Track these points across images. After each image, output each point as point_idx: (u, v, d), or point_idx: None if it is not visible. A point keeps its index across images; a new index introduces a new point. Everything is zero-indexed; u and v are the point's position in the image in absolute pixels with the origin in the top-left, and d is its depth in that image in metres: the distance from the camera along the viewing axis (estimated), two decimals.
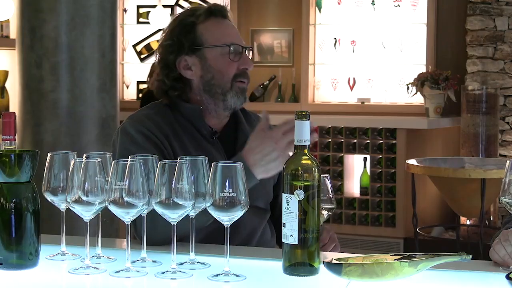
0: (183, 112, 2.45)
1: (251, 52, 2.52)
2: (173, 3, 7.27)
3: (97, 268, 1.91)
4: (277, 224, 2.47)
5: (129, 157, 1.87)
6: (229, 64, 2.43)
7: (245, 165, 1.95)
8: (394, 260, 1.84)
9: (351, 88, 6.71)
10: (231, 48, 2.42)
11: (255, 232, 2.44)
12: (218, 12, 2.47)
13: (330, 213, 2.19)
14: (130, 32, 7.48)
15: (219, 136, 2.47)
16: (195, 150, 2.37)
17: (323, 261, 1.84)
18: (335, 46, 6.74)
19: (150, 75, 5.80)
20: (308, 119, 1.88)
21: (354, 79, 6.71)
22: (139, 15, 7.42)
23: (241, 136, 2.49)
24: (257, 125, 2.32)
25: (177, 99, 2.47)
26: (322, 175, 1.96)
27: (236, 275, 1.85)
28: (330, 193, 2.17)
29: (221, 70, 2.43)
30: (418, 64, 6.47)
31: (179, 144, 2.38)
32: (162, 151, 2.32)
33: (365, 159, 6.24)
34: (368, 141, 6.21)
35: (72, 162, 1.89)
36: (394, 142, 6.11)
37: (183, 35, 2.44)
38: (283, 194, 1.88)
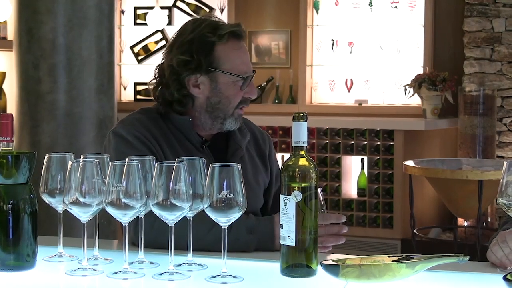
0: (173, 122, 2.46)
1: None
2: (170, 5, 7.27)
3: (94, 270, 1.91)
4: None
5: (127, 159, 1.87)
6: (238, 93, 2.44)
7: (271, 233, 2.11)
8: (392, 261, 1.84)
9: (349, 90, 6.71)
10: (245, 79, 2.43)
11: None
12: (238, 35, 2.45)
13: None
14: (127, 34, 7.48)
15: (209, 145, 2.49)
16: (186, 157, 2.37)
17: (321, 263, 1.84)
18: (332, 47, 6.74)
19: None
20: (306, 121, 1.89)
21: (351, 80, 6.71)
22: (136, 16, 7.41)
23: (232, 144, 2.51)
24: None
25: (170, 109, 2.47)
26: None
27: (234, 277, 1.85)
28: (323, 205, 2.19)
29: (229, 97, 2.44)
30: (416, 65, 6.47)
31: (170, 151, 2.40)
32: (155, 154, 2.32)
33: (362, 160, 6.24)
34: (365, 142, 6.21)
35: (70, 163, 1.89)
36: (391, 143, 6.11)
37: (202, 55, 2.41)
38: (280, 195, 1.88)
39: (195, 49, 2.41)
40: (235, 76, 2.42)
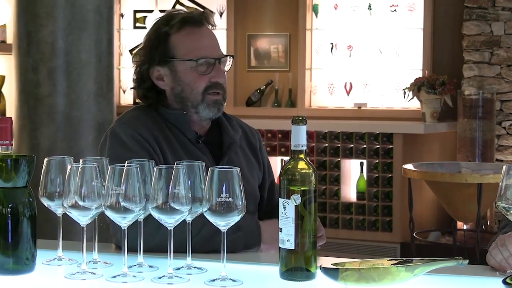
0: (168, 117, 2.48)
1: (230, 59, 2.51)
2: (169, 8, 7.28)
3: (93, 273, 1.91)
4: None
5: (126, 162, 1.86)
6: (199, 78, 2.44)
7: (257, 237, 2.13)
8: (391, 265, 1.84)
9: (348, 93, 6.72)
10: (200, 62, 2.43)
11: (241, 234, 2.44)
12: (193, 21, 2.47)
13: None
14: (126, 37, 7.48)
15: (204, 140, 2.49)
16: (183, 153, 2.40)
17: (320, 266, 1.84)
18: (331, 51, 6.74)
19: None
20: (305, 124, 1.89)
21: (350, 84, 6.71)
22: (136, 20, 7.42)
23: (226, 139, 2.52)
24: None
25: (158, 104, 2.50)
26: None
27: (233, 280, 1.85)
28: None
29: (190, 84, 2.45)
30: (415, 69, 6.47)
31: (169, 147, 2.41)
32: (152, 156, 2.33)
33: (361, 164, 6.24)
34: (364, 146, 6.21)
35: (69, 167, 1.88)
36: (390, 147, 6.12)
37: (155, 46, 2.47)
38: (280, 199, 1.88)
39: (151, 43, 2.48)
40: (191, 61, 2.43)
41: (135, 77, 2.54)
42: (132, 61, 2.58)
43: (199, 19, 2.48)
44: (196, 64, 2.43)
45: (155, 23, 2.52)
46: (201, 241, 2.14)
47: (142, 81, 2.51)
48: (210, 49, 2.47)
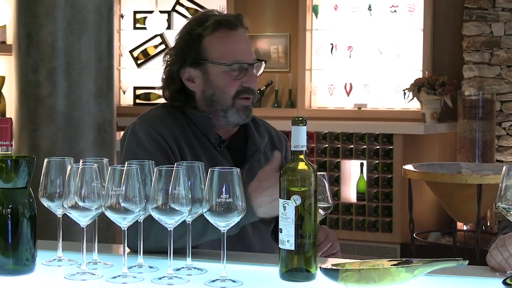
0: (192, 119, 2.43)
1: (262, 64, 2.48)
2: (170, 9, 7.28)
3: (93, 274, 1.91)
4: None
5: (126, 163, 1.86)
6: (231, 82, 2.40)
7: (248, 203, 1.94)
8: (391, 265, 1.84)
9: (348, 94, 6.72)
10: (234, 67, 2.39)
11: (256, 243, 2.43)
12: (227, 23, 2.42)
13: (327, 212, 2.18)
14: (127, 38, 7.48)
15: (227, 145, 2.46)
16: (204, 156, 2.36)
17: (320, 267, 1.84)
18: (331, 51, 6.74)
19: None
20: (305, 125, 1.88)
21: (350, 84, 6.71)
22: (136, 20, 7.42)
23: (251, 145, 2.47)
24: (269, 162, 2.28)
25: (186, 105, 2.45)
26: (319, 173, 1.96)
27: (233, 281, 1.85)
28: (328, 192, 2.16)
29: (222, 88, 2.40)
30: (415, 69, 6.47)
31: (189, 149, 2.36)
32: (170, 157, 2.29)
33: (361, 164, 6.24)
34: (364, 146, 6.21)
35: (69, 167, 1.88)
36: (390, 147, 6.12)
37: (188, 47, 2.41)
38: (279, 199, 1.88)
39: (184, 43, 2.42)
40: (224, 65, 2.39)
41: (164, 77, 2.48)
42: (163, 61, 2.51)
43: (234, 22, 2.43)
44: (229, 68, 2.39)
45: (188, 23, 2.47)
46: (194, 233, 2.09)
47: (172, 82, 2.45)
48: (244, 54, 2.42)
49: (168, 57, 2.47)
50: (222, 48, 2.40)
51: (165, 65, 2.48)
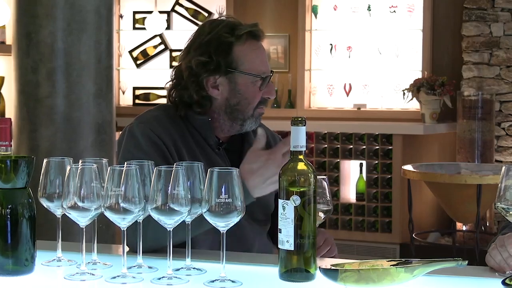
0: (192, 121, 2.42)
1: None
2: (169, 9, 7.28)
3: (93, 274, 1.91)
4: (274, 236, 2.44)
5: (125, 163, 1.86)
6: (257, 94, 2.41)
7: (244, 187, 1.94)
8: (390, 266, 1.84)
9: (347, 94, 6.72)
10: (262, 78, 2.41)
11: (254, 244, 2.43)
12: (256, 34, 2.44)
13: (327, 216, 2.18)
14: (126, 38, 7.48)
15: (225, 147, 2.46)
16: (202, 158, 2.35)
17: (319, 267, 1.84)
18: (331, 51, 6.74)
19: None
20: (304, 125, 1.89)
21: (350, 85, 6.71)
22: (135, 21, 7.42)
23: (246, 147, 2.46)
24: (254, 143, 2.30)
25: (188, 110, 2.43)
26: (319, 177, 1.96)
27: (232, 281, 1.85)
28: (328, 195, 2.16)
29: (248, 98, 2.41)
30: (414, 69, 6.47)
31: (187, 151, 2.36)
32: (167, 158, 2.29)
33: (361, 164, 6.24)
34: (364, 147, 6.22)
35: (68, 168, 1.88)
36: (390, 147, 6.12)
37: (220, 55, 2.38)
38: (279, 200, 1.88)
39: (213, 50, 2.38)
40: (254, 76, 2.40)
41: (188, 82, 2.41)
42: (182, 62, 2.45)
43: (261, 34, 2.46)
44: (258, 79, 2.40)
45: (215, 29, 2.41)
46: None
47: (199, 88, 2.40)
48: (267, 65, 2.46)
49: (196, 64, 2.39)
50: (254, 59, 2.42)
51: (190, 71, 2.40)
